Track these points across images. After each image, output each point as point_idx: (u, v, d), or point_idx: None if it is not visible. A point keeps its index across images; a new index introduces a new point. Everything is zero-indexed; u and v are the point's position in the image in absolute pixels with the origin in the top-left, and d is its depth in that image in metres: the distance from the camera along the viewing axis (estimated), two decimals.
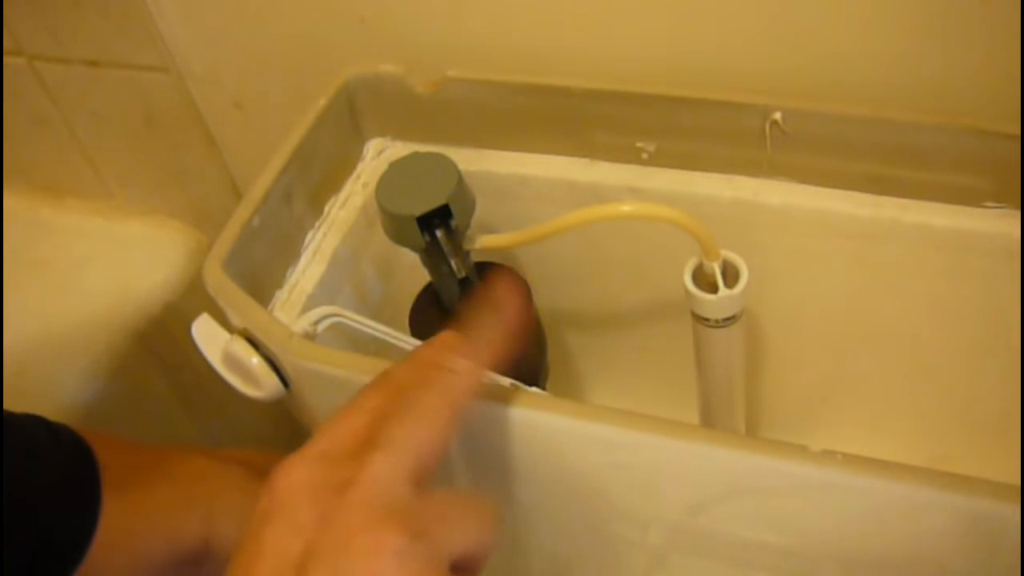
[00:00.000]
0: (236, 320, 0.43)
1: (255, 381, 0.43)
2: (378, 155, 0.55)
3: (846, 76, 0.48)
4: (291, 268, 0.49)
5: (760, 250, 0.48)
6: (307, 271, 0.50)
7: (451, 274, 0.47)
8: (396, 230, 0.46)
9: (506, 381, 0.41)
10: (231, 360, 0.43)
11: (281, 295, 0.48)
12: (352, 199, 0.53)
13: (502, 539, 0.41)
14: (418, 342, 0.43)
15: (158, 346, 0.74)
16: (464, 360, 0.35)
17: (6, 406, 0.59)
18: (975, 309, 0.49)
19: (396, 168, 0.48)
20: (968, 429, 0.54)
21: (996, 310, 0.48)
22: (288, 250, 0.50)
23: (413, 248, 0.47)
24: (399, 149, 0.55)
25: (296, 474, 0.31)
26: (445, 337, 0.36)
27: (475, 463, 0.42)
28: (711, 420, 0.54)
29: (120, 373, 0.71)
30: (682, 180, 0.50)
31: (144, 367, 0.74)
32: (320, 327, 0.44)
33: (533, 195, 0.53)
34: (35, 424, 0.47)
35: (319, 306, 0.45)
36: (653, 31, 0.50)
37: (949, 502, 0.33)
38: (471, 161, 0.52)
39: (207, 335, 0.44)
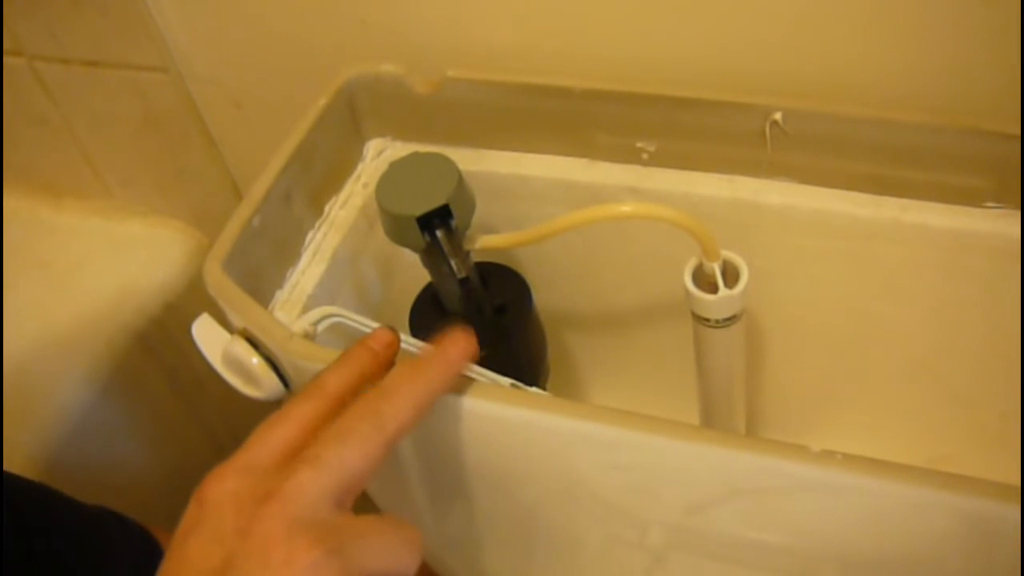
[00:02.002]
0: (236, 320, 0.43)
1: (255, 381, 0.43)
2: (378, 155, 0.55)
3: (846, 76, 0.48)
4: (291, 268, 0.49)
5: (760, 250, 0.48)
6: (307, 271, 0.50)
7: (451, 274, 0.47)
8: (396, 230, 0.46)
9: (506, 381, 0.41)
10: (231, 360, 0.43)
11: (281, 295, 0.48)
12: (352, 199, 0.53)
13: (504, 539, 0.41)
14: (418, 342, 0.43)
15: (158, 346, 0.74)
16: (406, 386, 0.36)
17: (6, 406, 0.60)
18: (975, 309, 0.49)
19: (396, 168, 0.48)
20: (968, 429, 0.54)
21: (996, 310, 0.48)
22: (288, 250, 0.50)
23: (413, 248, 0.47)
24: (399, 149, 0.55)
25: (224, 485, 0.32)
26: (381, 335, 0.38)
27: (474, 463, 0.42)
28: (711, 420, 0.54)
29: (120, 373, 0.71)
30: (682, 180, 0.50)
31: (144, 367, 0.74)
32: (320, 327, 0.44)
33: (533, 195, 0.53)
34: (109, 517, 0.48)
35: (319, 306, 0.45)
36: (653, 31, 0.50)
37: (949, 502, 0.33)
38: (471, 161, 0.52)
39: (207, 335, 0.44)
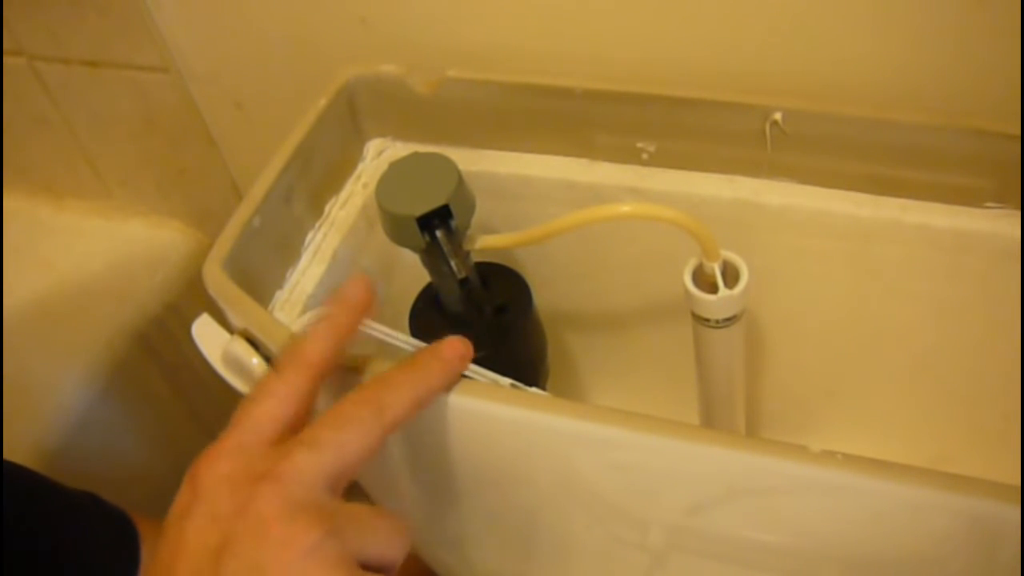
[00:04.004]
0: (236, 320, 0.43)
1: (255, 381, 0.43)
2: (378, 155, 0.55)
3: (846, 76, 0.48)
4: (291, 268, 0.49)
5: (760, 250, 0.48)
6: (307, 271, 0.50)
7: (451, 274, 0.47)
8: (396, 230, 0.46)
9: (506, 381, 0.41)
10: (231, 360, 0.43)
11: (281, 295, 0.48)
12: (352, 199, 0.53)
13: (504, 540, 0.41)
14: (418, 342, 0.43)
15: (158, 346, 0.74)
16: (407, 381, 0.36)
17: (6, 406, 0.60)
18: (975, 309, 0.49)
19: (396, 168, 0.48)
20: (968, 429, 0.54)
21: (996, 310, 0.48)
22: (288, 250, 0.50)
23: (413, 248, 0.47)
24: (399, 149, 0.55)
25: (217, 467, 0.32)
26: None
27: (474, 463, 0.42)
28: (711, 420, 0.54)
29: (120, 373, 0.71)
30: (682, 180, 0.50)
31: (144, 367, 0.74)
32: None
33: (533, 195, 0.53)
34: (89, 502, 0.48)
35: (319, 306, 0.45)
36: (653, 32, 0.50)
37: (949, 503, 0.33)
38: (471, 161, 0.52)
39: (207, 335, 0.44)
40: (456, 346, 0.38)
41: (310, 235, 0.51)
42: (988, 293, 0.47)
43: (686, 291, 0.46)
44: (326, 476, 0.32)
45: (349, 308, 0.38)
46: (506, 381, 0.41)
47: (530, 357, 0.54)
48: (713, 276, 0.45)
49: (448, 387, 0.38)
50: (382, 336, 0.43)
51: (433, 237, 0.46)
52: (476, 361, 0.40)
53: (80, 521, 0.47)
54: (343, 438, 0.33)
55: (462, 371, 0.39)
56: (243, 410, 0.34)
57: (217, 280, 0.43)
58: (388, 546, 0.33)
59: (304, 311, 0.47)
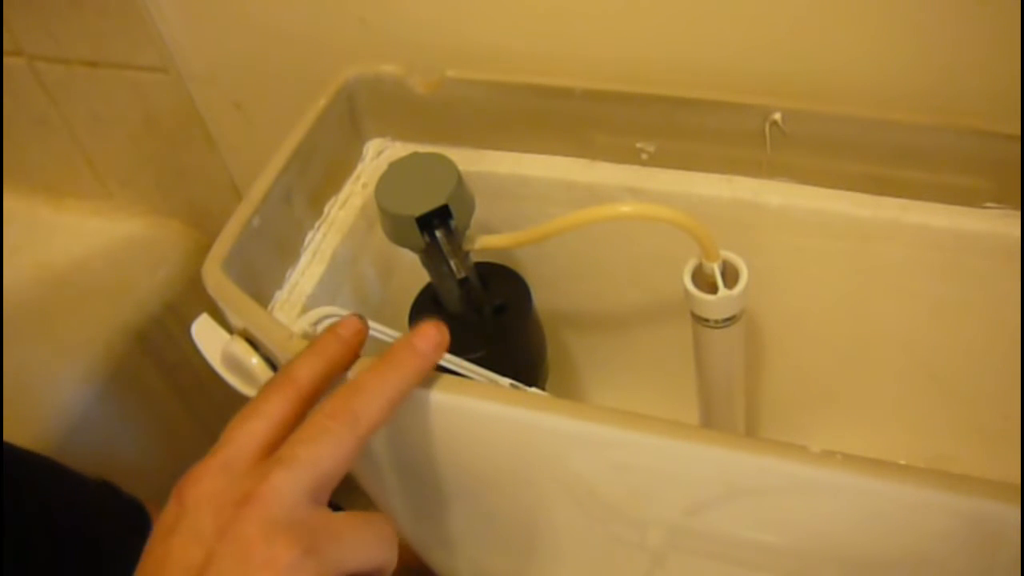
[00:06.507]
0: (236, 320, 0.43)
1: (255, 381, 0.43)
2: (378, 155, 0.55)
3: (846, 76, 0.48)
4: (291, 268, 0.49)
5: (760, 250, 0.48)
6: (307, 271, 0.50)
7: (451, 274, 0.47)
8: (396, 230, 0.46)
9: (505, 381, 0.41)
10: (231, 360, 0.43)
11: (281, 295, 0.48)
12: (352, 199, 0.53)
13: (503, 539, 0.41)
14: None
15: (158, 346, 0.74)
16: (379, 384, 0.36)
17: (6, 405, 0.60)
18: (975, 309, 0.49)
19: (396, 168, 0.48)
20: (968, 429, 0.54)
21: (996, 310, 0.48)
22: (288, 250, 0.50)
23: (413, 248, 0.47)
24: (399, 149, 0.55)
25: (202, 486, 0.33)
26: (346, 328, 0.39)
27: (473, 463, 0.42)
28: (711, 420, 0.54)
29: (119, 373, 0.71)
30: (682, 180, 0.50)
31: (144, 367, 0.74)
32: (320, 327, 0.44)
33: (533, 195, 0.53)
34: (103, 489, 0.49)
35: (319, 306, 0.45)
36: (653, 32, 0.50)
37: (949, 502, 0.33)
38: (471, 161, 0.52)
39: (207, 335, 0.44)
40: (430, 335, 0.38)
41: (309, 235, 0.51)
42: (988, 293, 0.47)
43: (686, 291, 0.46)
44: (305, 492, 0.32)
45: (340, 341, 0.38)
46: (505, 381, 0.41)
47: (530, 357, 0.54)
48: (713, 276, 0.45)
49: (422, 379, 0.38)
50: (382, 336, 0.43)
51: (433, 237, 0.46)
52: (476, 361, 0.40)
53: (97, 507, 0.48)
54: (319, 453, 0.33)
55: (438, 360, 0.38)
56: (230, 429, 0.35)
57: (216, 280, 0.43)
58: (372, 556, 0.33)
59: (303, 311, 0.47)
